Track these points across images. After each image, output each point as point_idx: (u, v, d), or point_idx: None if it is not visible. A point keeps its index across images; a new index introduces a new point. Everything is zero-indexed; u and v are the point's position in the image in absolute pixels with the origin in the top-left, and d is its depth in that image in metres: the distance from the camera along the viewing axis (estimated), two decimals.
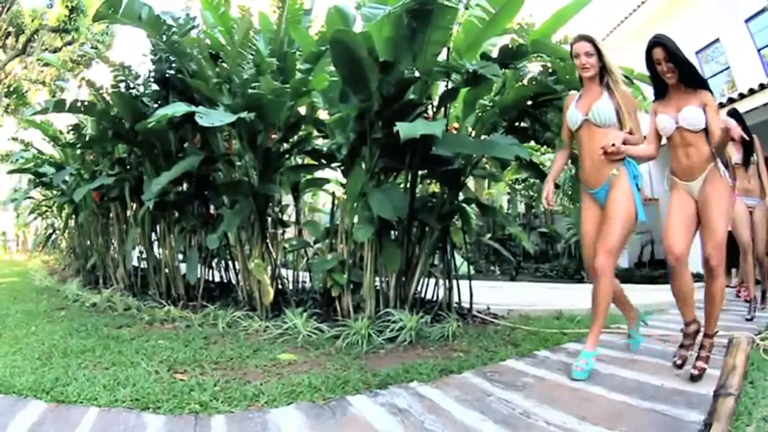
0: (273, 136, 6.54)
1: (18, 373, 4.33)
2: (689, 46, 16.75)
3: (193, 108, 5.36)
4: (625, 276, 13.49)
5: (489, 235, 6.52)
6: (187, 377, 4.32)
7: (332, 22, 5.68)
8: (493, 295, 7.91)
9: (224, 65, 6.46)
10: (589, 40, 4.54)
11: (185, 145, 7.32)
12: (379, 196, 5.57)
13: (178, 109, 5.38)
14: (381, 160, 5.90)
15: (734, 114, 7.19)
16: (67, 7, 24.49)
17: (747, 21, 15.08)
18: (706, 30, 16.33)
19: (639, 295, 9.51)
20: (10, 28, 26.58)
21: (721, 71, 16.19)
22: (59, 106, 7.20)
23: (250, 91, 5.83)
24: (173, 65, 6.97)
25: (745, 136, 5.34)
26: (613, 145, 4.37)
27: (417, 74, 5.84)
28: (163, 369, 4.51)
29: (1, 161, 16.26)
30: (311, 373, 4.38)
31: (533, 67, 6.25)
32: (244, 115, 5.30)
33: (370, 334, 5.34)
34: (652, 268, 15.02)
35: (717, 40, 16.31)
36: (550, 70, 5.92)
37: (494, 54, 5.77)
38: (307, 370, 4.54)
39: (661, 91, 4.53)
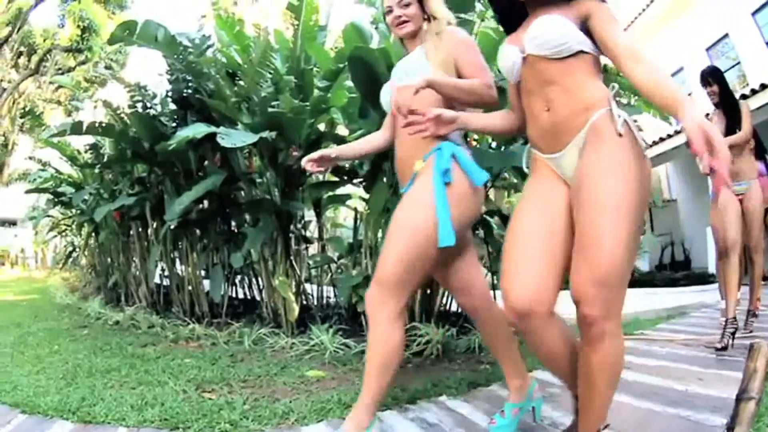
0: (294, 153, 6.54)
1: (42, 393, 4.33)
2: (699, 43, 16.75)
3: (213, 129, 5.43)
4: (647, 280, 13.48)
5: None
6: (215, 396, 4.32)
7: (349, 39, 5.71)
8: None
9: (242, 84, 6.51)
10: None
11: (205, 163, 7.36)
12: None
13: (199, 130, 5.46)
14: None
15: (713, 72, 6.29)
16: (78, 27, 24.68)
17: (754, 14, 15.06)
18: (715, 25, 16.31)
19: (660, 299, 9.54)
20: (22, 48, 26.79)
21: (732, 67, 16.14)
22: (77, 129, 7.26)
23: (270, 109, 5.86)
24: (190, 85, 7.00)
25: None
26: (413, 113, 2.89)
27: None
28: (191, 388, 4.51)
29: (19, 180, 16.39)
30: (340, 390, 4.36)
31: None
32: (265, 134, 5.34)
33: None
34: (673, 270, 14.98)
35: (726, 35, 16.27)
36: None
37: None
38: (336, 386, 4.53)
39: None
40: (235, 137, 5.24)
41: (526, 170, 2.81)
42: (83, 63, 26.63)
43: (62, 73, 26.53)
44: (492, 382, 4.50)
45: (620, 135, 2.37)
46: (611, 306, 2.26)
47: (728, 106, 6.19)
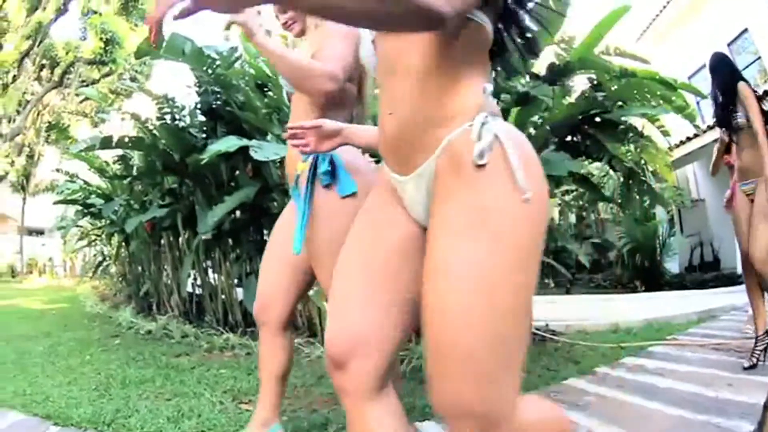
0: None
1: (75, 405, 4.30)
2: (720, 39, 16.63)
3: (246, 142, 5.43)
4: (677, 282, 13.39)
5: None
6: (252, 407, 4.20)
7: None
8: (550, 310, 7.90)
9: (272, 95, 6.53)
10: None
11: (236, 173, 7.36)
12: None
13: (231, 143, 5.46)
14: None
15: (722, 59, 5.49)
16: (101, 39, 24.82)
17: None
18: (735, 21, 16.19)
19: (690, 302, 9.48)
20: (44, 61, 26.98)
21: (753, 62, 16.03)
22: (106, 143, 7.29)
23: None
24: (219, 97, 7.02)
25: None
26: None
27: None
28: (227, 399, 4.48)
29: (46, 191, 16.50)
30: None
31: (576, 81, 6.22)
32: None
33: None
34: (702, 271, 14.87)
35: (746, 30, 16.14)
36: (595, 82, 5.91)
37: (535, 70, 5.78)
38: None
39: None
40: (267, 150, 5.23)
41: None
42: (108, 75, 26.80)
43: (87, 85, 26.66)
44: (528, 390, 4.39)
45: (480, 166, 1.57)
46: (490, 409, 1.51)
47: (728, 94, 5.33)
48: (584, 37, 5.76)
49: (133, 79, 26.76)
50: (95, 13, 26.47)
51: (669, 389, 4.31)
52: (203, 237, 7.41)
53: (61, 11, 25.39)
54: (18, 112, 24.98)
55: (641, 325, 7.24)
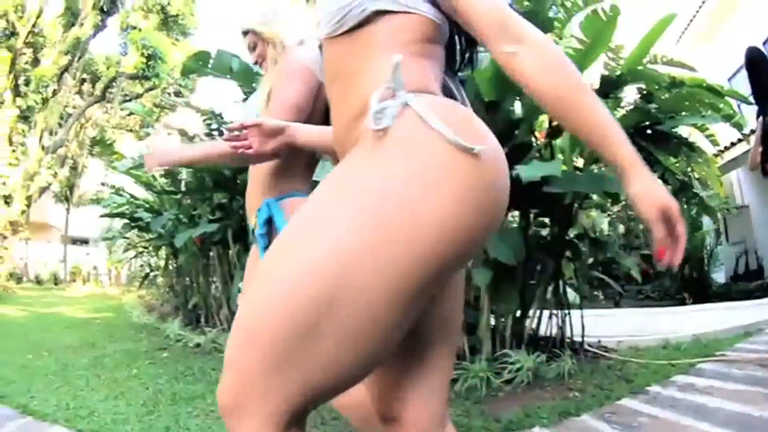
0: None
1: (122, 421, 4.27)
2: (756, 37, 16.35)
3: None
4: (723, 293, 13.14)
5: (591, 260, 6.30)
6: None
7: None
8: (600, 324, 7.74)
9: None
10: (245, 33, 2.92)
11: None
12: (495, 239, 5.36)
13: None
14: None
15: (756, 51, 5.44)
16: (143, 54, 24.98)
17: None
18: None
19: (737, 314, 9.30)
20: (85, 75, 27.23)
21: None
22: None
23: None
24: None
25: None
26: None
27: (519, 112, 5.72)
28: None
29: (91, 203, 16.61)
30: None
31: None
32: None
33: (488, 377, 5.15)
34: (747, 280, 14.59)
35: None
36: (644, 92, 5.80)
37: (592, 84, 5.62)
38: None
39: None
40: (320, 168, 5.14)
41: None
42: (151, 89, 26.97)
43: (129, 100, 26.92)
44: (582, 411, 4.37)
45: (380, 131, 1.39)
46: (240, 395, 1.29)
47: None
48: (633, 47, 5.65)
49: (177, 94, 26.96)
50: (134, 28, 26.67)
51: (718, 409, 4.22)
52: None
53: (99, 27, 25.55)
54: (60, 125, 25.21)
55: (690, 340, 7.08)
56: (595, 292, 12.70)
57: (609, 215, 14.22)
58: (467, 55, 1.88)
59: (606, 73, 5.73)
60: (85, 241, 37.97)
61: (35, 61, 23.70)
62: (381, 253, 1.24)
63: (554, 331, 6.36)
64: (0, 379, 5.80)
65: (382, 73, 1.47)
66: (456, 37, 1.81)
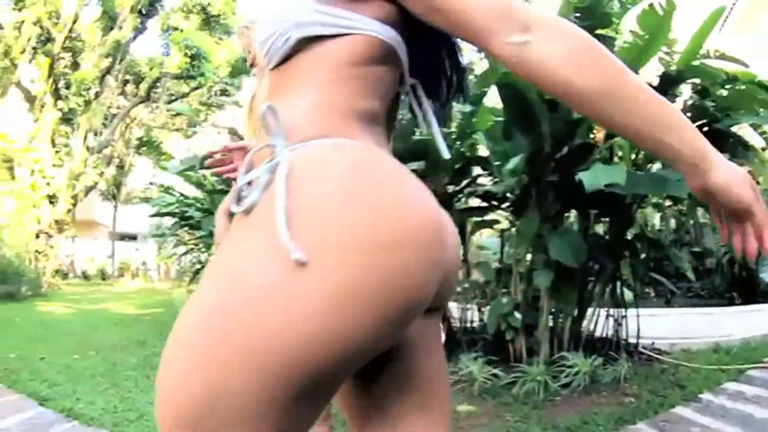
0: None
1: None
2: None
3: None
4: None
5: (643, 255, 6.16)
6: None
7: (495, 63, 5.35)
8: (653, 324, 7.55)
9: None
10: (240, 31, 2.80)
11: None
12: (557, 240, 5.33)
13: None
14: (556, 202, 5.69)
15: None
16: (186, 54, 25.06)
17: None
18: None
19: None
20: (128, 76, 27.40)
21: None
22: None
23: (414, 137, 5.68)
24: None
25: None
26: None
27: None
28: (337, 426, 4.14)
29: (140, 201, 16.75)
30: (492, 427, 4.19)
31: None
32: (415, 166, 5.16)
33: (546, 381, 5.06)
34: None
35: None
36: (699, 88, 5.65)
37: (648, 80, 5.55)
38: (488, 422, 4.32)
39: None
40: None
41: None
42: (197, 88, 27.08)
43: (175, 99, 27.09)
44: (637, 419, 4.31)
45: (246, 213, 1.09)
46: None
47: None
48: (686, 42, 5.52)
49: (223, 92, 27.02)
50: (175, 29, 26.74)
51: (765, 420, 4.18)
52: None
53: (139, 30, 25.64)
54: (104, 126, 25.40)
55: (740, 343, 6.99)
56: (646, 290, 12.51)
57: (660, 211, 13.97)
58: (455, 82, 1.55)
59: (662, 69, 5.60)
60: (133, 237, 38.28)
61: (75, 65, 23.78)
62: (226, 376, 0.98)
63: (610, 332, 6.25)
64: (44, 380, 5.70)
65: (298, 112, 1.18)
66: (443, 63, 1.51)
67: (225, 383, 0.97)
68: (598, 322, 6.20)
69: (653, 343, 6.77)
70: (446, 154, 1.46)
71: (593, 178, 4.43)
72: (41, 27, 21.58)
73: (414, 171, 4.51)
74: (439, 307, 1.36)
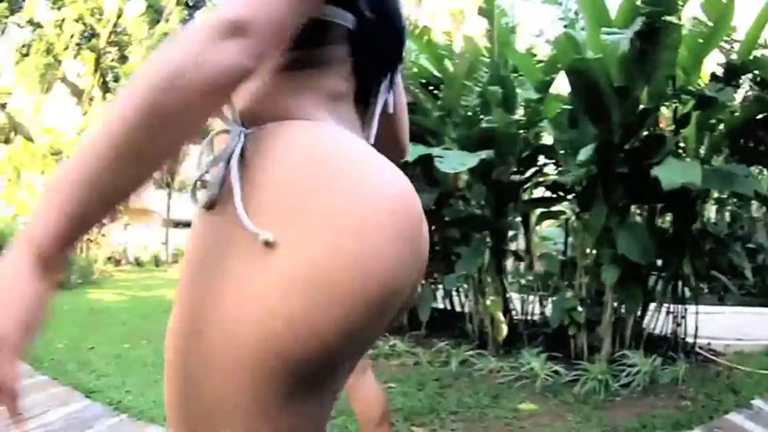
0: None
1: None
2: None
3: (429, 150, 5.19)
4: None
5: (705, 251, 6.04)
6: (426, 431, 4.02)
7: (564, 49, 5.29)
8: (706, 323, 7.41)
9: (445, 96, 6.13)
10: None
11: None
12: (625, 234, 5.18)
13: (411, 150, 5.19)
14: (625, 195, 5.51)
15: None
16: None
17: None
18: None
19: None
20: None
21: None
22: None
23: (484, 125, 5.53)
24: None
25: None
26: None
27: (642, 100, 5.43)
28: (399, 419, 4.17)
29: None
30: (554, 428, 4.08)
31: None
32: (484, 155, 4.99)
33: (607, 380, 4.91)
34: None
35: None
36: (759, 79, 5.47)
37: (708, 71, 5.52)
38: (549, 422, 4.20)
39: None
40: (453, 161, 4.95)
41: None
42: None
43: None
44: (693, 423, 4.17)
45: (209, 207, 1.04)
46: None
47: None
48: (746, 31, 5.38)
49: None
50: None
51: None
52: None
53: (187, 21, 25.78)
54: None
55: None
56: (701, 285, 12.27)
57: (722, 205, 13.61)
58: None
59: (722, 58, 5.53)
60: (187, 224, 38.50)
61: (122, 58, 24.05)
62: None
63: (669, 330, 6.10)
64: (92, 371, 5.55)
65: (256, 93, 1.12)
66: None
67: (201, 390, 0.97)
68: (659, 319, 6.03)
69: (709, 344, 6.60)
70: (370, 139, 1.33)
71: (670, 175, 4.34)
72: (84, 23, 21.87)
73: (483, 160, 4.32)
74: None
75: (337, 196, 0.94)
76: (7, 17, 22.03)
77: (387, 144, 1.42)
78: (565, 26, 6.14)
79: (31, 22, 22.41)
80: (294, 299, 0.88)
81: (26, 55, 22.51)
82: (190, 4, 25.67)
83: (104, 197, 0.89)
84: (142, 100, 0.84)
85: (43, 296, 0.88)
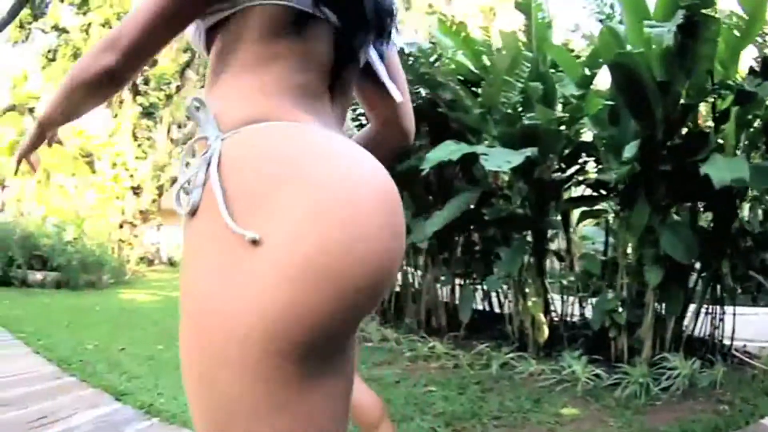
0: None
1: None
2: None
3: (472, 148, 5.09)
4: None
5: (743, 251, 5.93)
6: None
7: (606, 43, 5.15)
8: (742, 325, 7.29)
9: (485, 93, 5.95)
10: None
11: (443, 175, 6.85)
12: (669, 234, 5.08)
13: (451, 150, 5.12)
14: (667, 193, 5.40)
15: None
16: None
17: None
18: None
19: None
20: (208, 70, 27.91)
21: None
22: None
23: (526, 122, 5.42)
24: (424, 97, 6.58)
25: None
26: None
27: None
28: (440, 425, 4.07)
29: None
30: None
31: None
32: (528, 152, 4.89)
33: (648, 384, 4.79)
34: None
35: None
36: None
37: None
38: (591, 428, 4.11)
39: None
40: (498, 158, 4.85)
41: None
42: None
43: None
44: (730, 428, 4.09)
45: (192, 214, 1.12)
46: None
47: None
48: None
49: None
50: None
51: None
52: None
53: None
54: (188, 118, 25.83)
55: None
56: (733, 284, 12.08)
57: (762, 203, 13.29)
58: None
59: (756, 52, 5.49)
60: None
61: (152, 62, 24.27)
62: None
63: (706, 331, 5.97)
64: (123, 373, 5.46)
65: (220, 93, 1.23)
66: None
67: (217, 390, 1.01)
68: (697, 321, 5.91)
69: (745, 346, 6.51)
70: (398, 97, 1.47)
71: (718, 172, 4.25)
72: (110, 28, 22.04)
73: (527, 158, 4.24)
74: None
75: (321, 191, 1.01)
76: (30, 23, 22.26)
77: (390, 129, 1.61)
78: (601, 20, 6.10)
79: (56, 27, 22.65)
80: (290, 286, 0.95)
81: (53, 59, 22.82)
82: None
83: (64, 108, 1.40)
84: (68, 78, 1.29)
85: (39, 131, 1.54)
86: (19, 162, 1.63)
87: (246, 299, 0.97)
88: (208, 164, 1.08)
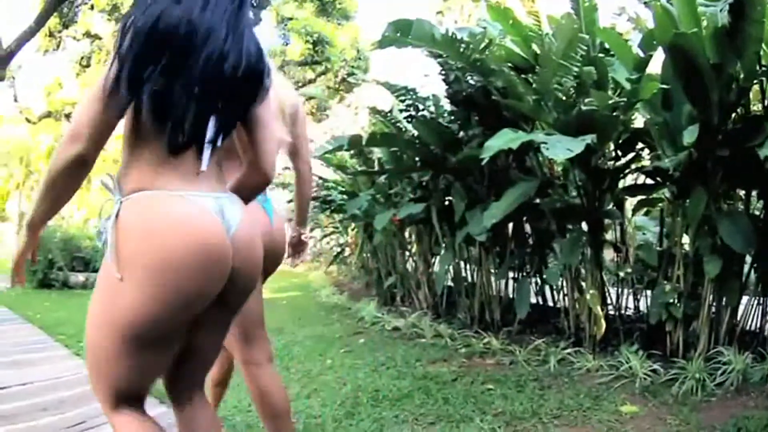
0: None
1: (315, 425, 3.89)
2: None
3: (531, 136, 4.89)
4: None
5: None
6: None
7: (662, 24, 4.85)
8: None
9: (539, 79, 5.64)
10: None
11: (497, 165, 6.64)
12: (728, 224, 4.83)
13: (509, 138, 4.92)
14: (724, 180, 5.17)
15: None
16: (307, 41, 25.13)
17: None
18: None
19: None
20: None
21: None
22: (356, 143, 7.14)
23: (583, 108, 5.18)
24: (475, 84, 6.43)
25: None
26: None
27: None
28: (500, 425, 3.97)
29: (277, 187, 16.90)
30: (656, 431, 3.83)
31: None
32: (588, 139, 4.66)
33: (704, 379, 4.59)
34: None
35: None
36: None
37: None
38: (650, 426, 3.94)
39: None
40: (559, 147, 4.60)
41: None
42: (324, 73, 27.24)
43: (302, 86, 27.31)
44: None
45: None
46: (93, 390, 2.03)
47: None
48: None
49: (350, 74, 27.02)
50: (290, 19, 26.69)
51: None
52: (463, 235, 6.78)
53: (255, 22, 25.69)
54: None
55: None
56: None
57: None
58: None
59: None
60: None
61: None
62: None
63: (757, 324, 5.66)
64: None
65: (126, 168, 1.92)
66: None
67: (99, 342, 1.90)
68: (749, 314, 5.63)
69: None
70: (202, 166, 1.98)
71: None
72: None
73: (587, 145, 4.03)
74: (233, 303, 2.08)
75: (148, 243, 1.76)
76: (60, 32, 22.67)
77: (252, 170, 2.12)
78: (645, 2, 5.82)
79: (88, 34, 23.12)
80: (132, 305, 1.78)
81: (87, 66, 23.45)
82: (254, 4, 25.71)
83: (45, 208, 1.87)
84: (47, 176, 1.78)
85: (30, 234, 1.96)
86: (18, 270, 2.11)
87: (114, 309, 1.82)
88: (109, 219, 1.81)
